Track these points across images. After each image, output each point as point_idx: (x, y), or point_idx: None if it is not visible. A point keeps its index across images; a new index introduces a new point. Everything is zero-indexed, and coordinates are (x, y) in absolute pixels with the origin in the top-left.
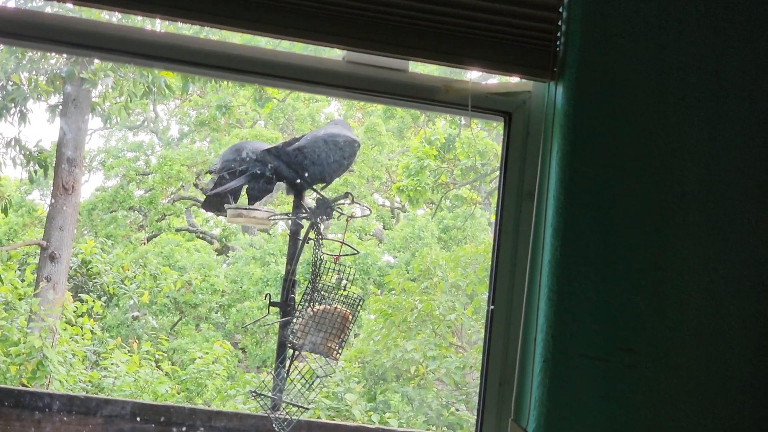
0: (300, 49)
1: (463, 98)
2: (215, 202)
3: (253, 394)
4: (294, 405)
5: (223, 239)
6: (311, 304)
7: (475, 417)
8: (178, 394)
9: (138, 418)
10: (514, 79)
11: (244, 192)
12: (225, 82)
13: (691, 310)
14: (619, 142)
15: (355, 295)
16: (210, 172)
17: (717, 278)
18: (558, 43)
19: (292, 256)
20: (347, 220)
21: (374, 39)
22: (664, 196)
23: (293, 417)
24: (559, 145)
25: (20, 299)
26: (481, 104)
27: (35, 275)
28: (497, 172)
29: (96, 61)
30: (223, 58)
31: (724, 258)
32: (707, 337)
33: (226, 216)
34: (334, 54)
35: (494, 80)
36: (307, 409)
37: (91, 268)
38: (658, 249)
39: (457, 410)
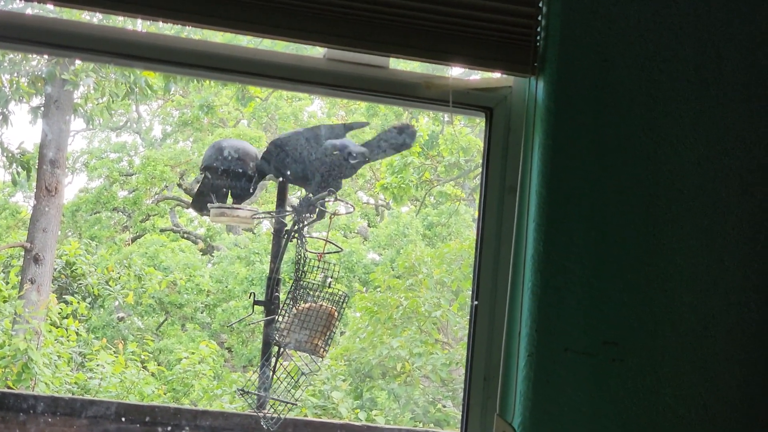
0: (282, 48)
1: (444, 94)
2: (202, 202)
3: (240, 392)
4: (281, 401)
5: (208, 239)
6: (296, 302)
7: (461, 411)
8: (165, 394)
9: (123, 419)
10: (495, 75)
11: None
12: (207, 82)
13: (677, 304)
14: (600, 135)
15: (340, 293)
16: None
17: (702, 272)
18: (538, 38)
19: (276, 255)
20: (331, 218)
21: (354, 36)
22: (647, 190)
23: (281, 415)
24: (540, 140)
25: (4, 302)
26: (462, 100)
27: (19, 277)
28: (480, 169)
29: (77, 62)
30: (204, 57)
31: (710, 252)
32: (693, 330)
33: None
34: (315, 52)
35: (476, 76)
36: (295, 404)
37: (76, 269)
38: (642, 242)
39: (444, 407)
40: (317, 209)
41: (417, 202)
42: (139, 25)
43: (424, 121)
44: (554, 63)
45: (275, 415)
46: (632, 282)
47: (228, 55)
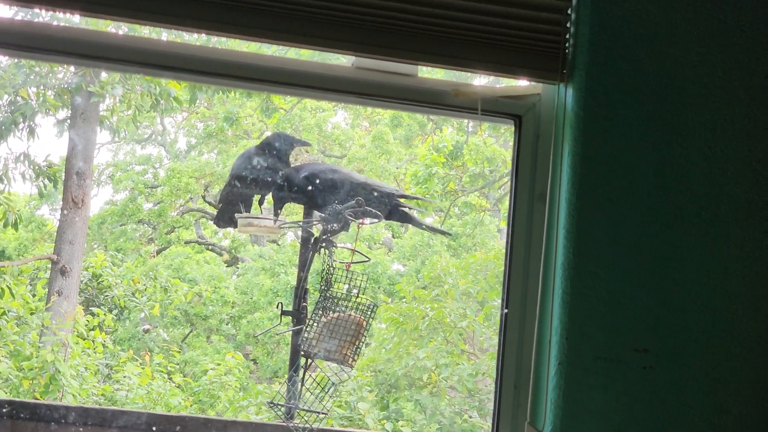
0: (307, 57)
1: (472, 102)
2: (230, 212)
3: (270, 404)
4: (311, 411)
5: (233, 250)
6: (324, 312)
7: (490, 422)
8: (191, 406)
9: (153, 429)
10: (524, 82)
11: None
12: (232, 93)
13: (705, 311)
14: (629, 142)
15: (368, 302)
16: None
17: (730, 278)
18: (566, 45)
19: (304, 264)
20: (358, 227)
21: (383, 44)
22: (675, 197)
23: (311, 425)
24: (569, 147)
25: (32, 314)
26: (490, 108)
27: (46, 289)
28: (506, 179)
29: (104, 74)
30: (231, 66)
31: (737, 257)
32: (721, 337)
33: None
34: (341, 61)
35: (504, 84)
36: (326, 414)
37: (102, 281)
38: (671, 249)
39: (470, 417)
40: (344, 218)
41: (441, 213)
42: (164, 37)
43: (449, 132)
44: (583, 70)
45: (306, 425)
46: (662, 289)
47: (256, 65)
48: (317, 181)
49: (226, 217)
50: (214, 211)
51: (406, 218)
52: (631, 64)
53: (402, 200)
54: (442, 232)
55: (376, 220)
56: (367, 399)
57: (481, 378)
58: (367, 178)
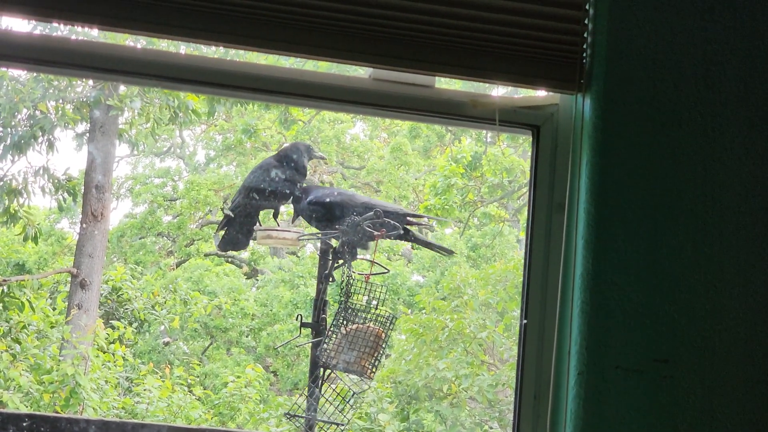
0: (325, 69)
1: (490, 113)
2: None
3: (288, 416)
4: (331, 423)
5: (252, 263)
6: (344, 323)
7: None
8: (212, 418)
9: None
10: (541, 93)
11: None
12: (250, 106)
13: (727, 319)
14: (648, 152)
15: (387, 314)
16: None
17: (752, 286)
18: (584, 55)
19: (323, 276)
20: (376, 239)
21: (400, 56)
22: (696, 205)
23: None
24: (588, 157)
25: (52, 327)
26: (508, 118)
27: (66, 303)
28: (524, 189)
29: (122, 87)
30: (249, 79)
31: (759, 265)
32: (743, 346)
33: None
34: (359, 73)
35: (521, 94)
36: (346, 425)
37: (122, 294)
38: (691, 258)
39: (491, 428)
40: (362, 230)
41: (461, 224)
42: (182, 50)
43: (467, 142)
44: (601, 80)
45: None
46: (682, 298)
47: (273, 77)
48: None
49: (234, 236)
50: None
51: (408, 237)
52: (649, 73)
53: (412, 218)
54: (445, 250)
55: (397, 231)
56: (388, 410)
57: (501, 389)
58: (370, 198)
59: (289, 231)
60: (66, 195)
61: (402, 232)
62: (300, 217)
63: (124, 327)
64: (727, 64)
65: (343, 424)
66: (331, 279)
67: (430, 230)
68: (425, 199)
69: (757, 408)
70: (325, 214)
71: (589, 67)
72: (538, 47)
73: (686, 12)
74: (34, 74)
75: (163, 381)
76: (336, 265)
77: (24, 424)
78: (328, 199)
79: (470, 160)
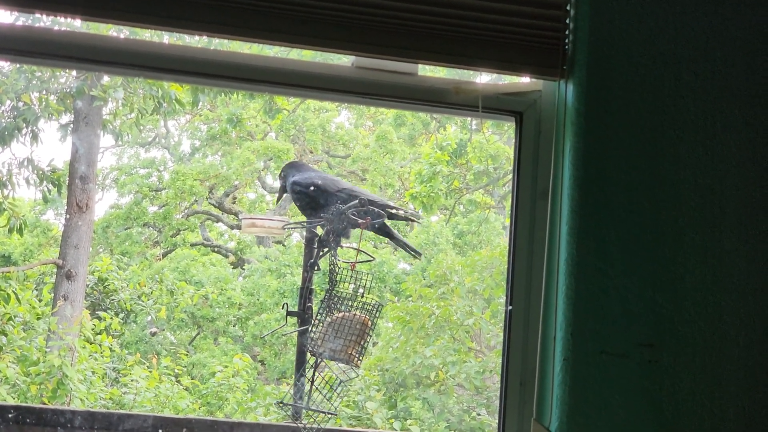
0: (309, 58)
1: (473, 99)
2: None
3: (278, 404)
4: (320, 412)
5: (238, 252)
6: (329, 311)
7: (497, 420)
8: (199, 408)
9: (160, 431)
10: (524, 79)
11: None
12: (235, 95)
13: (711, 304)
14: (631, 137)
15: (373, 302)
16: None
17: (736, 271)
18: (566, 41)
19: (308, 264)
20: (362, 227)
21: (382, 44)
22: (679, 190)
23: (320, 425)
24: (571, 143)
25: (38, 318)
26: (491, 105)
27: (52, 294)
28: (510, 176)
29: (106, 78)
30: (232, 68)
31: (743, 251)
32: (728, 330)
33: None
34: (342, 61)
35: (505, 81)
36: (335, 414)
37: (108, 285)
38: (675, 243)
39: (479, 415)
40: (347, 218)
41: (446, 211)
42: (165, 39)
43: (452, 130)
44: (583, 66)
45: (314, 426)
46: (666, 283)
47: (256, 66)
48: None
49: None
50: (219, 213)
51: (384, 232)
52: (631, 59)
53: (392, 210)
54: (415, 252)
55: (381, 219)
56: (375, 398)
57: (488, 375)
58: (354, 186)
59: (273, 219)
60: (51, 186)
61: (386, 220)
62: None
63: (111, 318)
64: (709, 49)
65: (333, 413)
66: (316, 268)
67: (418, 223)
68: (411, 187)
69: (741, 391)
70: (309, 202)
71: (572, 54)
72: (521, 34)
73: None
74: (17, 65)
75: (150, 371)
76: (321, 253)
77: (9, 415)
78: (311, 181)
79: (455, 147)
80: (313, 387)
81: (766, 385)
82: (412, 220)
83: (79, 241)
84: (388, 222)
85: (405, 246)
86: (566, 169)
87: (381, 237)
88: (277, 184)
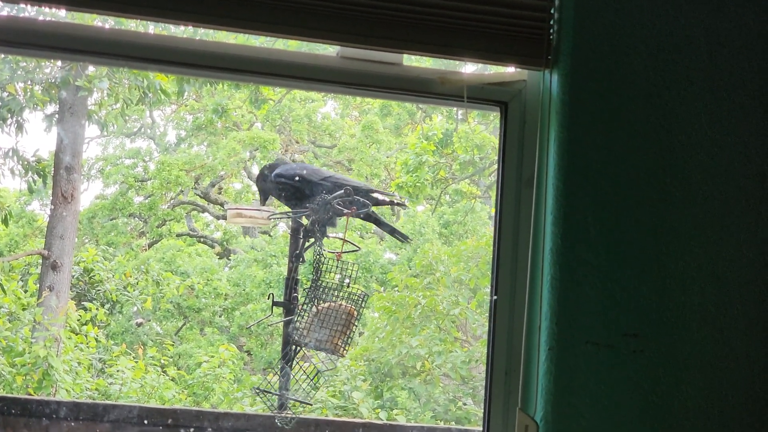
0: (295, 48)
1: (458, 90)
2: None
3: (257, 390)
4: (297, 401)
5: (224, 243)
6: (315, 302)
7: (482, 408)
8: (186, 398)
9: (145, 422)
10: (509, 69)
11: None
12: (220, 86)
13: (696, 294)
14: (617, 127)
15: (359, 292)
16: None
17: (720, 261)
18: (551, 31)
19: (293, 255)
20: (347, 217)
21: (368, 34)
22: (663, 180)
23: (298, 415)
24: (556, 133)
25: (24, 309)
26: (476, 95)
27: (38, 285)
28: (496, 165)
29: (91, 68)
30: (217, 58)
31: (727, 240)
32: (712, 320)
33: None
34: (328, 52)
35: (491, 71)
36: (310, 404)
37: (94, 276)
38: (660, 233)
39: (465, 404)
40: (332, 209)
41: (432, 201)
42: (151, 30)
43: (438, 120)
44: (568, 55)
45: (294, 416)
46: (651, 273)
47: (242, 56)
48: (284, 179)
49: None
50: (205, 204)
51: (371, 218)
52: (616, 48)
53: (377, 194)
54: (403, 237)
55: (368, 208)
56: (361, 388)
57: (474, 365)
58: (334, 173)
59: (259, 210)
60: (36, 177)
61: (372, 219)
62: (270, 197)
63: (97, 308)
64: (695, 38)
65: (308, 403)
66: (301, 259)
67: (402, 208)
68: (397, 177)
69: (726, 381)
70: (294, 193)
71: (557, 43)
72: (506, 24)
73: None
74: (2, 56)
75: (136, 362)
76: (307, 244)
77: None
78: (294, 172)
79: (441, 137)
80: (294, 377)
81: (751, 373)
82: (398, 204)
83: (64, 232)
84: (374, 208)
85: (393, 231)
86: (551, 159)
87: (367, 227)
88: None
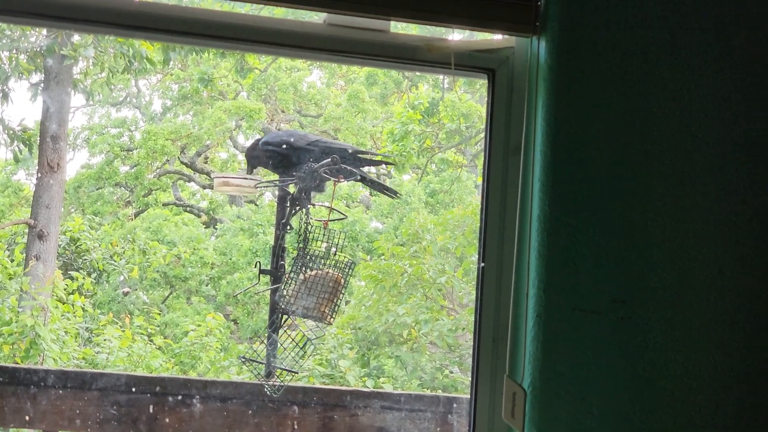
0: (281, 16)
1: (445, 57)
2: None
3: (242, 359)
4: (284, 369)
5: (211, 212)
6: (302, 269)
7: (470, 377)
8: (173, 367)
9: (133, 389)
10: (497, 36)
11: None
12: (206, 54)
13: (684, 261)
14: (604, 94)
15: (346, 260)
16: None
17: (706, 227)
18: None
19: (281, 223)
20: (334, 185)
21: (354, 0)
22: (650, 146)
23: (285, 383)
24: (543, 100)
25: (10, 279)
26: (464, 62)
27: (24, 254)
28: (482, 134)
29: (76, 36)
30: (203, 25)
31: (713, 205)
32: (700, 286)
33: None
34: (314, 19)
35: (477, 39)
36: (296, 372)
37: (80, 245)
38: (647, 200)
39: (451, 372)
40: (319, 176)
41: (419, 170)
42: None
43: (424, 89)
44: (556, 22)
45: (280, 383)
46: (638, 239)
47: (228, 23)
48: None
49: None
50: (191, 173)
51: (354, 175)
52: (604, 15)
53: (364, 155)
54: (392, 192)
55: (354, 176)
56: (348, 356)
57: (461, 333)
58: (321, 136)
59: (246, 178)
60: (21, 146)
61: (359, 178)
62: (257, 168)
63: (83, 277)
64: (683, 9)
65: (294, 371)
66: (288, 227)
67: (388, 176)
68: (383, 146)
69: (713, 347)
70: (282, 161)
71: (545, 10)
72: None
73: None
74: None
75: (123, 331)
76: (293, 212)
77: None
78: (281, 139)
79: (427, 106)
80: (281, 345)
81: (738, 341)
82: (386, 163)
83: (50, 201)
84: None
85: (382, 188)
86: (539, 126)
87: (353, 195)
88: (248, 143)
